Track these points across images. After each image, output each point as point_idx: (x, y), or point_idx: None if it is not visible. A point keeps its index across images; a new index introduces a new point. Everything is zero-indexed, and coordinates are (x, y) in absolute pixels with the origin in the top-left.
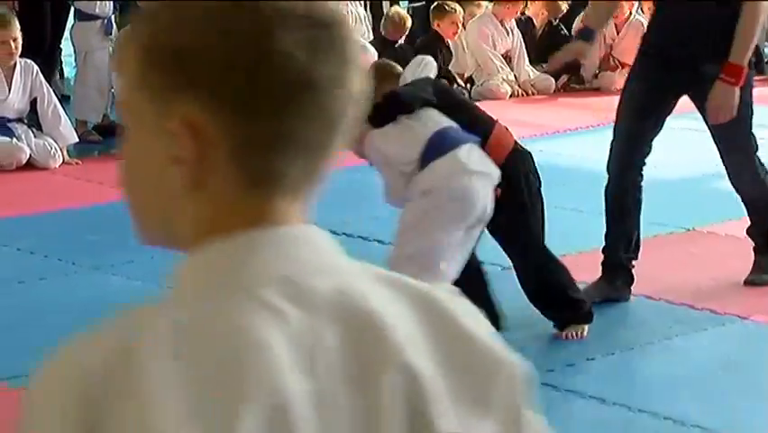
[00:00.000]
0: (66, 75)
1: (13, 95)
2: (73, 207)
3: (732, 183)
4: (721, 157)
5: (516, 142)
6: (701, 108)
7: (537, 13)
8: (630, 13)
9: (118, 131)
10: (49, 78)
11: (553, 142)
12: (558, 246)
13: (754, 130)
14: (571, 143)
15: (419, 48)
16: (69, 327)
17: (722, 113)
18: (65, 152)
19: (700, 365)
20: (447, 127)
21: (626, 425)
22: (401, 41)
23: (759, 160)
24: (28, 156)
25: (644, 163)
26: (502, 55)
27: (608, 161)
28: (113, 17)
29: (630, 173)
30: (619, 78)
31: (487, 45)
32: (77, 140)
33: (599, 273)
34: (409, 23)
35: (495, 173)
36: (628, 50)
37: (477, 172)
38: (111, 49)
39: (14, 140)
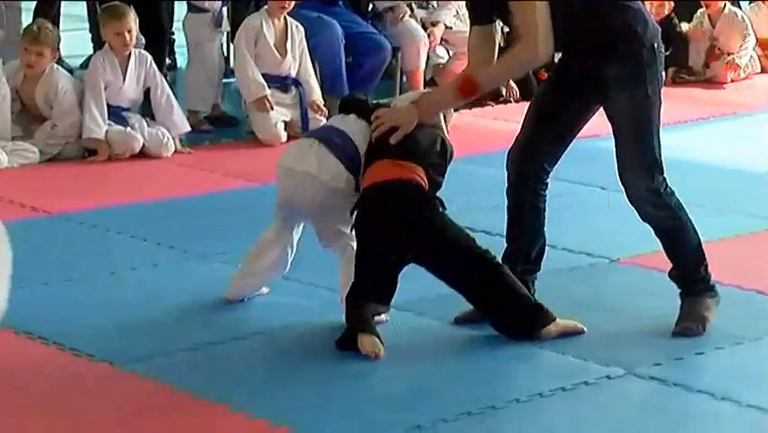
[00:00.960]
0: (178, 66)
1: (128, 84)
2: (185, 195)
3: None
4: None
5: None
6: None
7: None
8: (724, 5)
9: (229, 121)
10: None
11: (662, 135)
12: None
13: None
14: (679, 136)
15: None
16: (181, 314)
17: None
18: (177, 141)
19: None
20: None
21: (735, 420)
22: None
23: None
24: (141, 145)
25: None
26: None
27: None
28: (223, 10)
29: (527, 181)
30: (726, 70)
31: None
32: (190, 129)
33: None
34: None
35: None
36: (731, 39)
37: None
38: (221, 40)
39: (128, 129)
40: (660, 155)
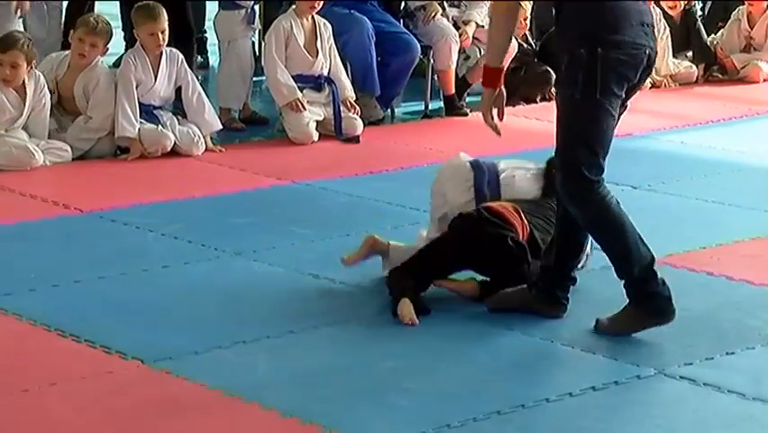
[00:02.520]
0: (210, 63)
1: (159, 82)
2: (216, 193)
3: None
4: None
5: None
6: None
7: (672, 6)
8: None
9: (259, 121)
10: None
11: (694, 134)
12: (699, 238)
13: None
14: (711, 135)
15: (547, 38)
16: (212, 312)
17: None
18: (209, 140)
19: None
20: None
21: (766, 420)
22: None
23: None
24: (173, 143)
25: None
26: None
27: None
28: (256, 7)
29: None
30: (762, 69)
31: None
32: (221, 127)
33: (737, 266)
34: None
35: None
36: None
37: None
38: (253, 38)
39: (160, 127)
40: (583, 161)
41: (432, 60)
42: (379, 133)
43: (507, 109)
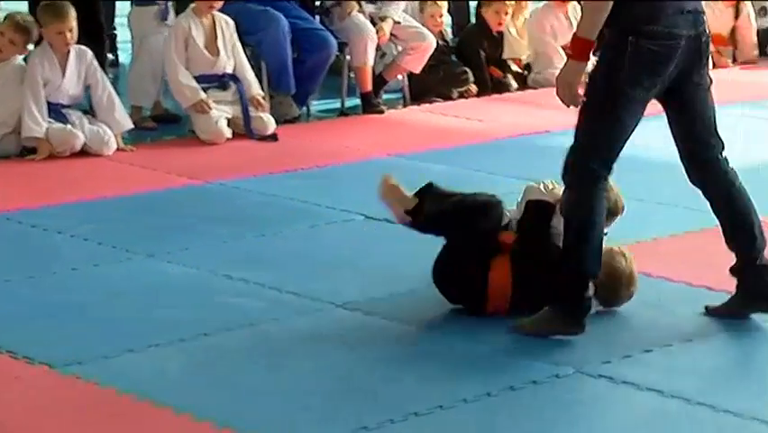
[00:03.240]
0: (121, 61)
1: (68, 81)
2: (127, 193)
3: None
4: None
5: None
6: None
7: None
8: None
9: (171, 119)
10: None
11: None
12: (617, 235)
13: None
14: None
15: (464, 35)
16: (123, 315)
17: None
18: (119, 139)
19: (766, 358)
20: None
21: (683, 418)
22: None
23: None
24: (82, 142)
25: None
26: (562, 47)
27: None
28: (169, 4)
29: None
30: None
31: (546, 36)
32: (132, 126)
33: (655, 263)
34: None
35: None
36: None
37: None
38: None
39: (69, 126)
40: (596, 154)
41: (348, 57)
42: (294, 131)
43: (424, 106)
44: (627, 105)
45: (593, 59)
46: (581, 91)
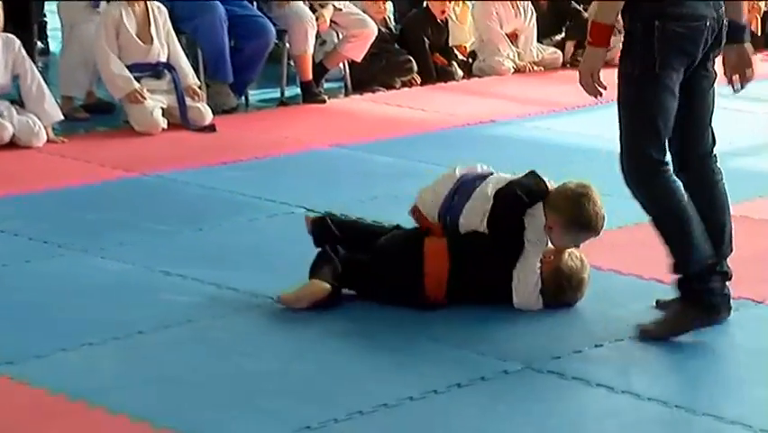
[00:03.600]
0: (51, 49)
1: None
2: (59, 187)
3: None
4: None
5: None
6: None
7: None
8: None
9: (105, 108)
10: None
11: (562, 120)
12: None
13: None
14: (580, 121)
15: (407, 23)
16: (56, 312)
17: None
18: (50, 130)
19: (719, 353)
20: None
21: (634, 414)
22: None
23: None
24: (11, 134)
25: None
26: (508, 34)
27: None
28: None
29: None
30: None
31: (492, 23)
32: (63, 117)
33: (605, 256)
34: None
35: None
36: None
37: None
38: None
39: None
40: (647, 141)
41: (287, 45)
42: (232, 121)
43: (367, 96)
44: (664, 89)
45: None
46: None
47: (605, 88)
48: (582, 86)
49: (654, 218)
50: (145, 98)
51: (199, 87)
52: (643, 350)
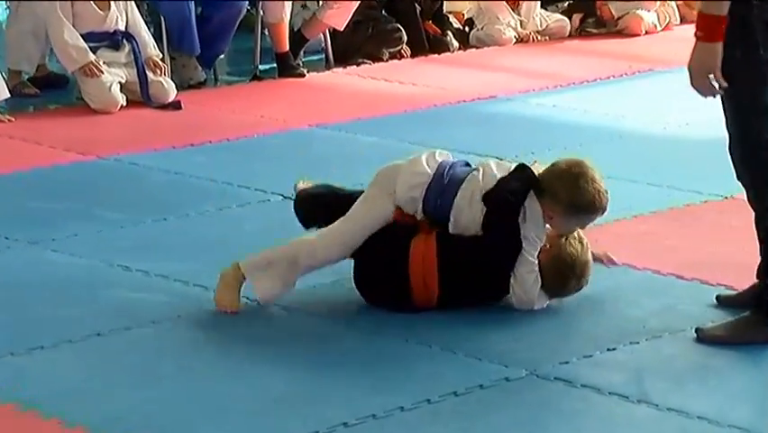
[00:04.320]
0: None
1: None
2: (6, 171)
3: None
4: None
5: None
6: None
7: None
8: None
9: (57, 81)
10: None
11: (568, 96)
12: None
13: None
14: (587, 97)
15: None
16: (1, 312)
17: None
18: None
19: (737, 356)
20: None
21: (653, 426)
22: None
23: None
24: None
25: None
26: (509, 0)
27: None
28: None
29: None
30: (644, 19)
31: None
32: (9, 95)
33: (618, 248)
34: None
35: None
36: None
37: None
38: None
39: None
40: (758, 126)
41: (261, 13)
42: (200, 97)
43: (351, 69)
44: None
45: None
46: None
47: (724, 87)
48: (696, 88)
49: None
50: (102, 72)
51: (162, 60)
52: (661, 353)
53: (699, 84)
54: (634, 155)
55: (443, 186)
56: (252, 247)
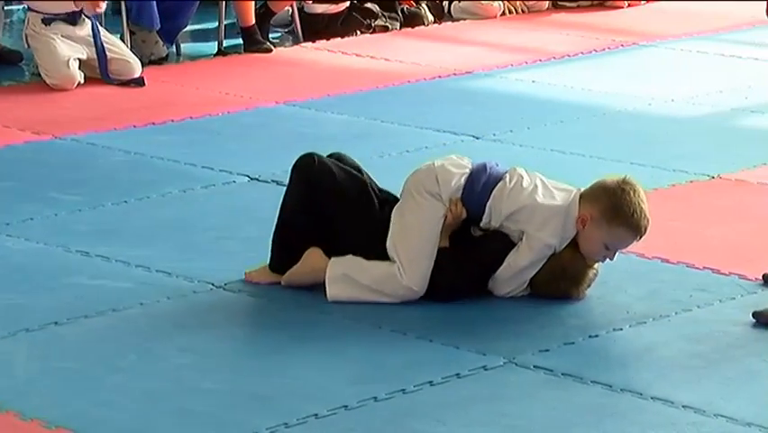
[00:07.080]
0: None
1: None
2: None
3: None
4: None
5: None
6: None
7: None
8: None
9: (10, 58)
10: None
11: (548, 71)
12: None
13: None
14: (568, 72)
15: None
16: None
17: None
18: None
19: (723, 343)
20: None
21: (636, 415)
22: None
23: None
24: None
25: None
26: None
27: None
28: None
29: None
30: None
31: None
32: None
33: None
34: None
35: None
36: None
37: None
38: None
39: None
40: None
41: None
42: (161, 74)
43: (320, 44)
44: None
45: None
46: None
47: None
48: None
49: None
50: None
51: (120, 36)
52: (645, 340)
53: None
54: (617, 133)
55: (487, 176)
56: (218, 231)
